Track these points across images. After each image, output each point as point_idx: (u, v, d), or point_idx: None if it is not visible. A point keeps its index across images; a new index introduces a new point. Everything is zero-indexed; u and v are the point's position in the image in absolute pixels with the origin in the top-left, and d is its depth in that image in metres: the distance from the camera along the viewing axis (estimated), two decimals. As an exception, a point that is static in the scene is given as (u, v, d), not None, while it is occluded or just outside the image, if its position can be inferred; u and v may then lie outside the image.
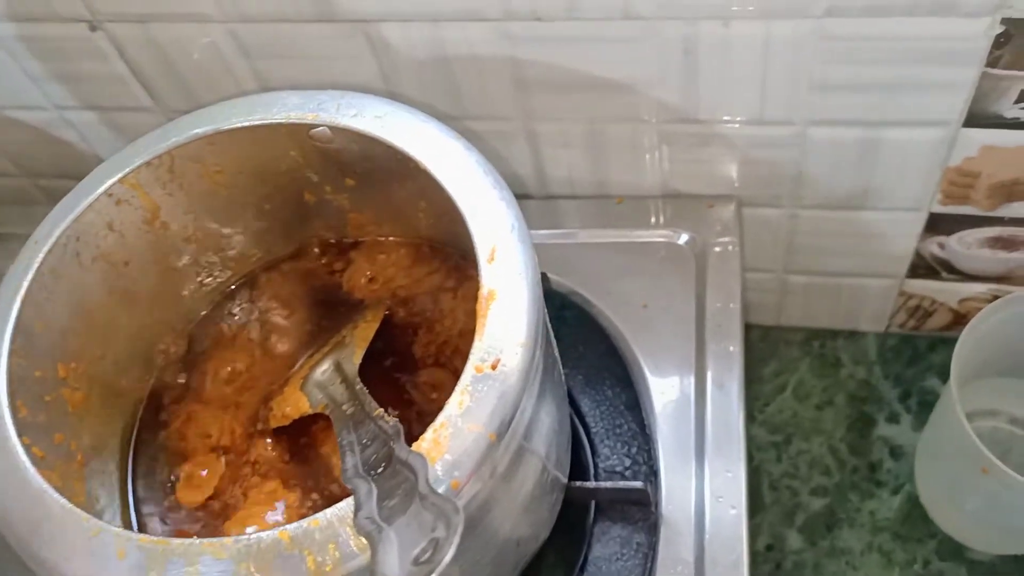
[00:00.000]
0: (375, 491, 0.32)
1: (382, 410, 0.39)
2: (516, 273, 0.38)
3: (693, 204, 0.62)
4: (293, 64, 0.58)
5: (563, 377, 0.49)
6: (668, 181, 0.62)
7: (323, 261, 0.54)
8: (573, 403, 0.56)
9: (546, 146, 0.61)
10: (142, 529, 0.48)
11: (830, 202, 0.61)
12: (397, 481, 0.32)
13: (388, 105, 0.43)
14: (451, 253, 0.52)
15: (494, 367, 0.36)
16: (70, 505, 0.37)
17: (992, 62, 0.48)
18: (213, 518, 0.48)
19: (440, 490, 0.34)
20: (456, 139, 0.42)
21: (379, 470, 0.34)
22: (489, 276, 0.37)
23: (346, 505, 0.33)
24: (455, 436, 0.34)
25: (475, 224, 0.39)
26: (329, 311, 0.53)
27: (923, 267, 0.65)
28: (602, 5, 0.50)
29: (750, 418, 0.71)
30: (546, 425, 0.42)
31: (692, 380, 0.55)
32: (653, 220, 0.62)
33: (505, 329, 0.36)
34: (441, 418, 0.35)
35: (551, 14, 0.51)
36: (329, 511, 0.33)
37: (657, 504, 0.51)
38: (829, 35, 0.49)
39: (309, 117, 0.44)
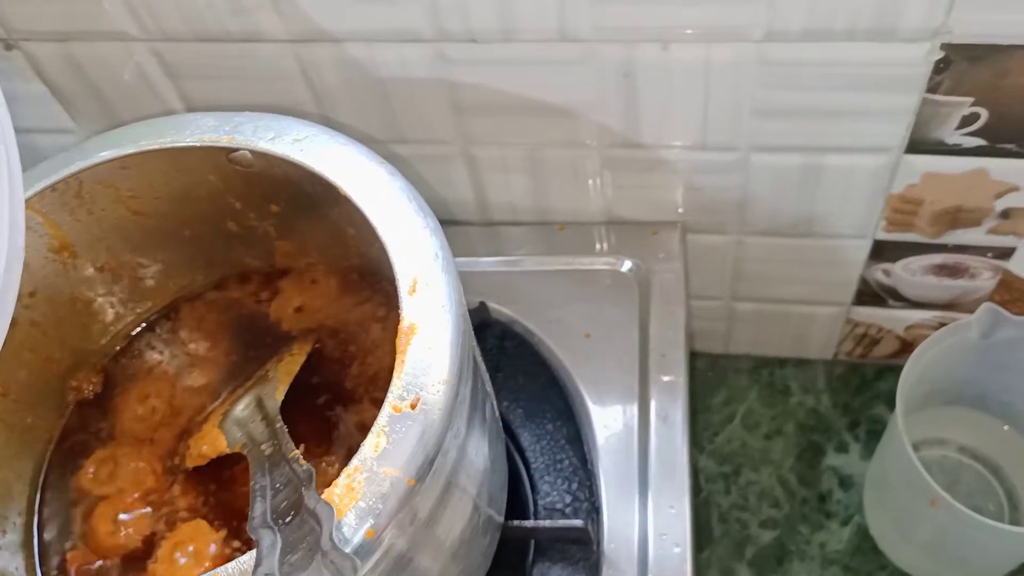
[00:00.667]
0: (279, 543, 0.30)
1: (298, 452, 0.37)
2: (439, 305, 0.35)
3: (637, 231, 0.61)
4: (221, 85, 0.55)
5: (497, 412, 0.47)
6: (611, 207, 0.61)
7: (248, 290, 0.52)
8: (513, 437, 0.54)
9: (486, 171, 0.59)
10: (47, 577, 0.45)
11: (775, 229, 0.60)
12: (303, 533, 0.29)
13: (308, 128, 0.41)
14: (382, 282, 0.49)
15: (413, 406, 0.33)
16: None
17: (932, 88, 0.48)
18: (128, 567, 0.45)
19: (355, 539, 0.31)
20: (380, 163, 0.40)
21: (287, 519, 0.31)
22: (410, 308, 0.35)
23: (249, 559, 0.31)
24: (370, 481, 0.32)
25: (397, 253, 0.37)
26: (256, 343, 0.51)
27: (869, 294, 0.65)
28: (538, 27, 0.48)
29: (699, 449, 0.70)
30: (476, 464, 0.40)
31: (635, 412, 0.53)
32: (596, 247, 0.61)
33: (426, 365, 0.34)
34: (355, 462, 0.32)
35: (486, 35, 0.49)
36: (230, 565, 0.30)
37: (599, 543, 0.49)
38: (769, 60, 0.48)
39: (224, 140, 0.41)
